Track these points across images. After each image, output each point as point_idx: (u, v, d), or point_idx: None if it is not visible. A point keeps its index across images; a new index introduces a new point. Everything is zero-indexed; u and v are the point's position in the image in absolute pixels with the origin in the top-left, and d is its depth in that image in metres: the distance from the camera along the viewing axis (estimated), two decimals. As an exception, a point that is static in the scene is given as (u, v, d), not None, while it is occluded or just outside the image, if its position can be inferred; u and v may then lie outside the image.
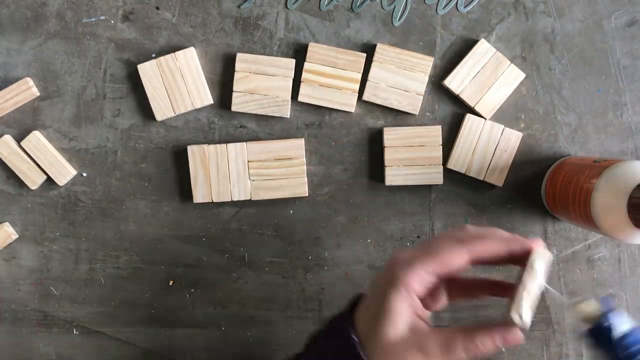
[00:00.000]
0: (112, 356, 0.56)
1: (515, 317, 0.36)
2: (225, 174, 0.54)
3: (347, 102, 0.54)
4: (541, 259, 0.37)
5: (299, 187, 0.54)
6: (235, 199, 0.54)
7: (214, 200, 0.54)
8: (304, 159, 0.54)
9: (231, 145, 0.54)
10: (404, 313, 0.38)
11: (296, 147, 0.54)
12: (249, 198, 0.54)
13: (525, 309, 0.37)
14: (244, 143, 0.54)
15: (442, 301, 0.43)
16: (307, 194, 0.54)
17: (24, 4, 0.54)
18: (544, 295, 0.55)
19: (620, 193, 0.43)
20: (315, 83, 0.54)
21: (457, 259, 0.38)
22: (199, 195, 0.54)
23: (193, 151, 0.54)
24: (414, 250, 0.40)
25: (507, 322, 0.37)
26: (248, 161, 0.54)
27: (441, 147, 0.54)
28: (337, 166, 0.55)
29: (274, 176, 0.54)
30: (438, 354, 0.37)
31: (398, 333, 0.37)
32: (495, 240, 0.39)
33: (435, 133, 0.54)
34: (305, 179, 0.54)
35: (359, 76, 0.54)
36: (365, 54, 0.53)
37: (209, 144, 0.54)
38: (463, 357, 0.37)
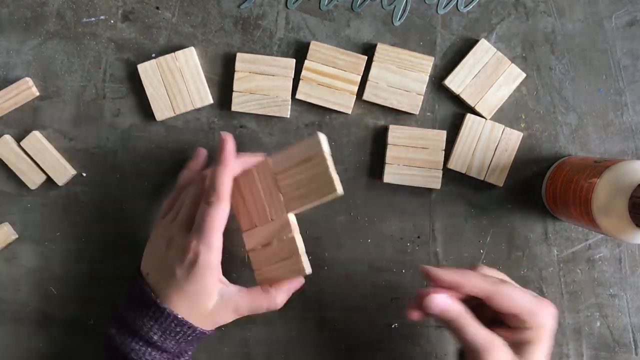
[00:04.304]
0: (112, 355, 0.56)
1: (304, 266, 0.47)
2: (260, 196, 0.48)
3: (345, 104, 0.54)
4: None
5: (327, 185, 0.46)
6: (273, 218, 0.48)
7: (257, 226, 0.49)
8: (325, 155, 0.46)
9: (253, 170, 0.48)
10: (216, 289, 0.46)
11: (312, 145, 0.46)
12: (285, 213, 0.48)
13: (305, 260, 0.47)
14: (266, 159, 0.48)
15: None
16: (341, 192, 0.46)
17: (23, 4, 0.54)
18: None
19: (620, 193, 0.43)
20: (314, 82, 0.54)
21: (224, 218, 0.46)
22: (244, 224, 0.49)
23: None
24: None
25: (292, 275, 0.48)
26: (275, 174, 0.47)
27: (443, 152, 0.54)
28: (337, 166, 0.55)
29: (303, 183, 0.47)
30: (247, 311, 0.47)
31: (214, 302, 0.46)
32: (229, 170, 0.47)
33: (439, 137, 0.54)
34: (332, 175, 0.46)
35: (358, 78, 0.53)
36: (366, 57, 0.53)
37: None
38: (265, 310, 0.48)
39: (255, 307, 0.48)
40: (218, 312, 0.47)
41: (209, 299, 0.46)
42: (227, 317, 0.48)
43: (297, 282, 0.49)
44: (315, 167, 0.46)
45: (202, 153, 0.53)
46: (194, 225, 0.46)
